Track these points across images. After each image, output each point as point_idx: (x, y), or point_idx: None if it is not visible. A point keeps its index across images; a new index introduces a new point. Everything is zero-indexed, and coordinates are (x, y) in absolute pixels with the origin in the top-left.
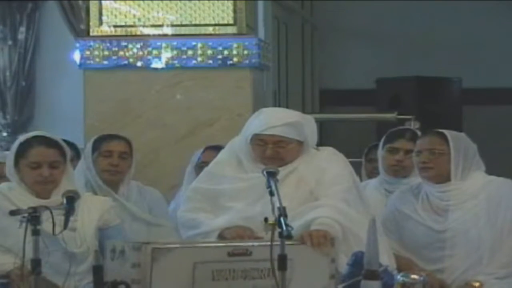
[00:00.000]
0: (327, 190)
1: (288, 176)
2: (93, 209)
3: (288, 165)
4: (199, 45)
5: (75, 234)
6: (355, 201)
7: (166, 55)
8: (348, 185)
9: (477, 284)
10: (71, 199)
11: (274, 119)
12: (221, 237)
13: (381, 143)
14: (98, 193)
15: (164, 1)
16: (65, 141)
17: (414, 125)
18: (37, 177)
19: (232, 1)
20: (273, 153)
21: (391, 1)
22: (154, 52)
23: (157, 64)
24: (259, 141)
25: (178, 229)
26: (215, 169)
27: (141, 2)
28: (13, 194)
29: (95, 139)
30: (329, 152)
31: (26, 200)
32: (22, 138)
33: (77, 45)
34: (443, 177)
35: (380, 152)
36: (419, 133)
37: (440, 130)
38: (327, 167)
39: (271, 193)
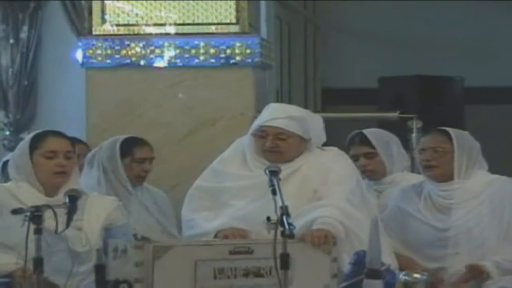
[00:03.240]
0: (331, 190)
1: (292, 175)
2: (99, 209)
3: (292, 164)
4: (202, 44)
5: (80, 234)
6: (358, 202)
7: (168, 54)
8: (352, 186)
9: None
10: (74, 197)
11: (278, 112)
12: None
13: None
14: (117, 192)
15: (167, 0)
16: (76, 139)
17: (416, 124)
18: (54, 168)
19: (234, 1)
20: (273, 145)
21: (394, 1)
22: (157, 51)
23: (159, 63)
24: (261, 132)
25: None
26: (219, 166)
27: (144, 1)
28: (20, 192)
29: (121, 143)
30: (334, 152)
31: (33, 198)
32: (31, 134)
33: (80, 44)
34: (446, 176)
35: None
36: (369, 135)
37: (444, 128)
38: (332, 167)
39: (274, 192)
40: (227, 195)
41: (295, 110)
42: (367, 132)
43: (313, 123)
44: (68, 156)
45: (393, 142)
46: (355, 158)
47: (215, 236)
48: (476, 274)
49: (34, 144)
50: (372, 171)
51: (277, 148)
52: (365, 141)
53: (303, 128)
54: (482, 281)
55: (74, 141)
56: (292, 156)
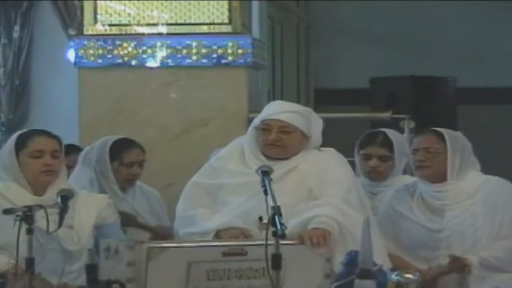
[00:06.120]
0: (328, 190)
1: (289, 173)
2: (90, 207)
3: (290, 162)
4: (194, 43)
5: (72, 232)
6: (355, 202)
7: (161, 53)
8: (349, 186)
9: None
10: (65, 197)
11: (283, 107)
12: (218, 237)
13: (356, 148)
14: (107, 193)
15: (159, 0)
16: (70, 145)
17: (408, 124)
18: (41, 167)
19: (227, 0)
20: (276, 138)
21: (386, 0)
22: (149, 50)
23: (151, 63)
24: (265, 125)
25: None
26: (217, 163)
27: (136, 1)
28: (10, 192)
29: (111, 146)
30: (331, 153)
31: (22, 198)
32: (18, 133)
33: (72, 43)
34: (439, 176)
35: (356, 157)
36: (392, 137)
37: (437, 129)
38: (329, 167)
39: (266, 192)
40: (224, 191)
41: (299, 106)
42: (390, 134)
43: (315, 122)
44: (55, 155)
45: (406, 147)
46: (366, 157)
47: (215, 235)
48: (458, 266)
49: (20, 143)
50: (381, 173)
51: (280, 142)
52: (387, 144)
53: (307, 125)
54: (464, 275)
55: (68, 149)
56: (292, 152)
